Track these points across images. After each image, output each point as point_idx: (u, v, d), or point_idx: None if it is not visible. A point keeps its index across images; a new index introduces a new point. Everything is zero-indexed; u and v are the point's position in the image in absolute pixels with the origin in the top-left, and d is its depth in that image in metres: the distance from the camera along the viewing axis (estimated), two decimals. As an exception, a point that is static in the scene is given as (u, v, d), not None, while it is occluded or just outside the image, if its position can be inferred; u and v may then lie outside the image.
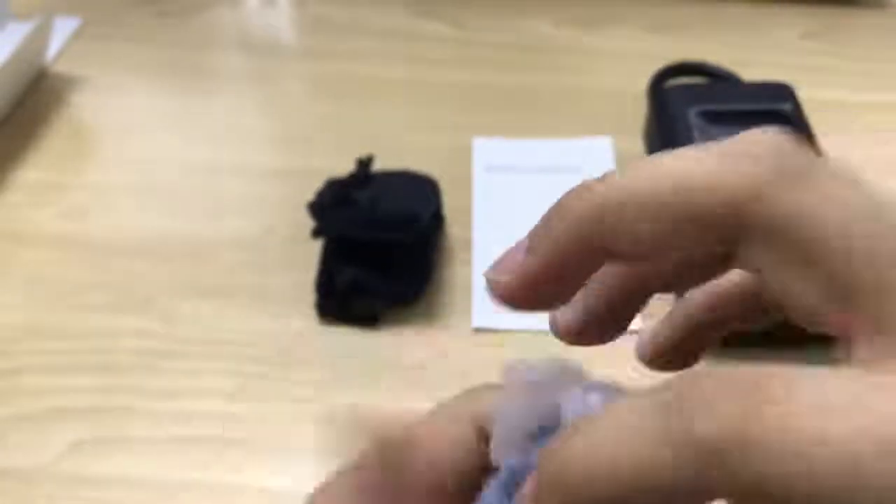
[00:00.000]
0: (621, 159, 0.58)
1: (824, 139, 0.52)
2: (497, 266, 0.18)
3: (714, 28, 0.71)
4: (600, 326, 0.20)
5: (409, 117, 0.62)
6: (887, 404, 0.13)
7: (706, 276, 0.21)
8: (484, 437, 0.19)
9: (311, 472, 0.38)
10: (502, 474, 0.19)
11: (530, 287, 0.18)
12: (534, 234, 0.18)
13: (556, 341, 0.21)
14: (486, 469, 0.19)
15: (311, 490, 0.21)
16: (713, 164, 0.16)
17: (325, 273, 0.48)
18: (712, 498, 0.14)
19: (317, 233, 0.49)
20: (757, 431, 0.13)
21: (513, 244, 0.18)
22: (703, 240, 0.16)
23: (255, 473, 0.41)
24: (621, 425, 0.14)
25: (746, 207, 0.16)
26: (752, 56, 0.67)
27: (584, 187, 0.17)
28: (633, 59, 0.67)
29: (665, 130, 0.54)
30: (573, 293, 0.19)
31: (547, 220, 0.18)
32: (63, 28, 0.69)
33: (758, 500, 0.13)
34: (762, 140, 0.16)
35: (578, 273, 0.18)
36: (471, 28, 0.72)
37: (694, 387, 0.14)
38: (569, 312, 0.20)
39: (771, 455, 0.12)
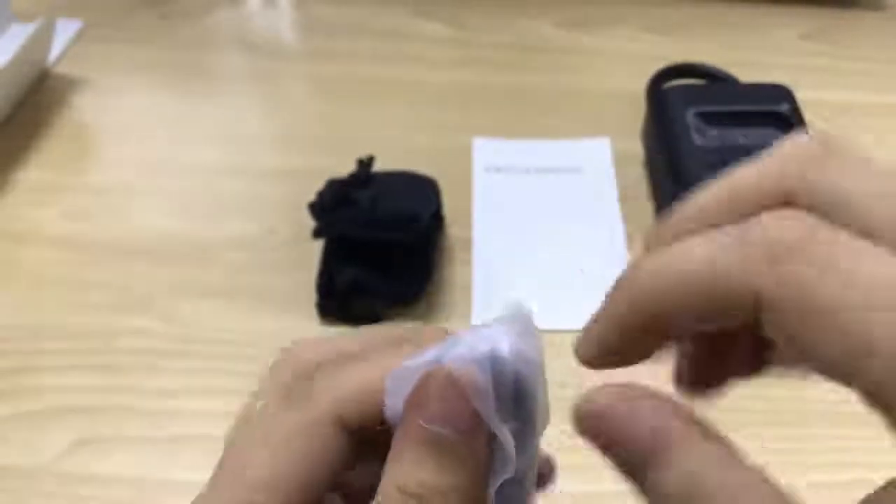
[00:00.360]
0: (620, 160, 0.58)
1: (823, 139, 0.52)
2: (580, 337, 0.19)
3: (713, 29, 0.71)
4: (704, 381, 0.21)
5: (409, 117, 0.63)
6: None
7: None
8: (344, 424, 0.20)
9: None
10: None
11: (607, 355, 0.19)
12: (599, 310, 0.19)
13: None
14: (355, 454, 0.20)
15: None
16: (726, 258, 0.17)
17: (325, 273, 0.49)
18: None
19: (317, 233, 0.49)
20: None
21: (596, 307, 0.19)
22: (732, 317, 0.17)
23: (254, 472, 0.41)
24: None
25: (754, 288, 0.16)
26: (752, 57, 0.67)
27: (630, 270, 0.18)
28: (633, 59, 0.67)
29: (663, 131, 0.54)
30: (652, 353, 0.19)
31: (607, 299, 0.19)
32: (65, 30, 0.69)
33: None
34: (759, 226, 0.17)
35: (650, 341, 0.19)
36: (471, 28, 0.72)
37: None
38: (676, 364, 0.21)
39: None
